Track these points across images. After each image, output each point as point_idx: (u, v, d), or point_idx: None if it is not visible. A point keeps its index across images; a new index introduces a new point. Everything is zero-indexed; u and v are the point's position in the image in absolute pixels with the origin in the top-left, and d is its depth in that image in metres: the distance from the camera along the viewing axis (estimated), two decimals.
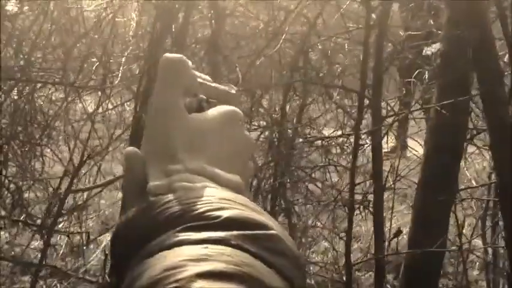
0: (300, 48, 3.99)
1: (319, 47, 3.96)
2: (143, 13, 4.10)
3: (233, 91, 0.77)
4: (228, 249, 0.56)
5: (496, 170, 2.57)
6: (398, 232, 3.37)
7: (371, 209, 2.98)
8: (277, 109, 3.98)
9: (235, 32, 4.60)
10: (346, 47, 3.97)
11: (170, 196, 0.62)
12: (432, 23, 4.27)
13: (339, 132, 3.70)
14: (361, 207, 3.32)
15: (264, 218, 0.60)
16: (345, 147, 3.58)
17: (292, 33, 4.05)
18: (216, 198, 0.61)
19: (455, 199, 3.53)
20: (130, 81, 3.85)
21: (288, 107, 3.95)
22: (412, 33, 4.09)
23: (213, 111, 0.70)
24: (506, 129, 2.47)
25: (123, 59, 3.74)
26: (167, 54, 0.70)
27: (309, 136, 3.76)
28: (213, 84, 0.75)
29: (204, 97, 0.73)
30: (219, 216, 0.58)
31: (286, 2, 4.70)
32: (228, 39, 4.54)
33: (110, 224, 4.76)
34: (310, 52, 4.05)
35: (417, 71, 4.07)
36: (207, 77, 0.75)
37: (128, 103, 4.41)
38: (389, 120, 3.22)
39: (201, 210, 0.59)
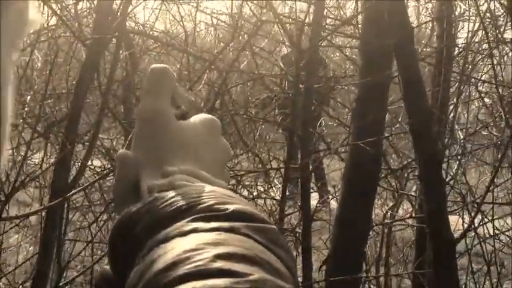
0: (217, 91, 4.11)
1: (238, 88, 4.09)
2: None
3: (190, 97, 0.82)
4: (239, 237, 0.59)
5: (424, 201, 2.75)
6: (328, 259, 3.49)
7: (300, 239, 3.08)
8: None
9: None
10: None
11: (175, 192, 0.65)
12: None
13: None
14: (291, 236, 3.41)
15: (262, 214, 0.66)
16: (275, 181, 3.68)
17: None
18: (219, 193, 0.65)
19: (369, 234, 3.73)
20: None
21: None
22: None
23: (195, 119, 0.76)
24: (435, 162, 2.68)
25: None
26: (154, 65, 0.75)
27: (236, 171, 3.84)
28: (187, 95, 0.80)
29: (185, 109, 0.78)
30: (227, 209, 0.62)
31: (202, 46, 4.82)
32: (142, 80, 4.58)
33: None
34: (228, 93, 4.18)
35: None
36: (183, 89, 0.81)
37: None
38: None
39: (209, 203, 0.63)
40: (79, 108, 3.50)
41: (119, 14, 3.61)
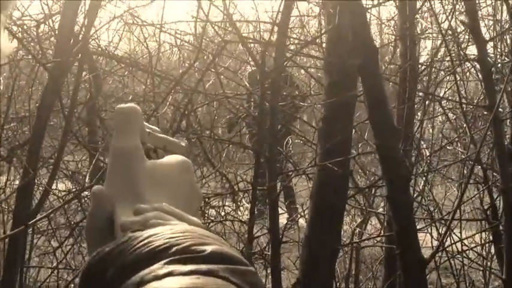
0: (183, 111, 4.08)
1: (204, 109, 4.07)
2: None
3: (183, 144, 0.84)
4: (218, 280, 0.58)
5: (393, 221, 2.75)
6: (297, 283, 3.47)
7: (269, 261, 3.06)
8: None
9: (115, 94, 4.61)
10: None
11: (151, 231, 0.64)
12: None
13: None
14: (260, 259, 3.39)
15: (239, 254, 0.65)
16: (243, 201, 3.66)
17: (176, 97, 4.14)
18: (196, 234, 0.64)
19: (339, 253, 3.73)
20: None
21: None
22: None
23: (170, 159, 0.76)
24: (402, 181, 2.68)
25: None
26: (122, 105, 0.76)
27: (204, 194, 3.80)
28: (161, 135, 0.81)
29: (152, 146, 0.79)
30: (204, 250, 0.61)
31: (166, 67, 4.79)
32: (106, 101, 4.53)
33: None
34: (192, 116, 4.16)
35: None
36: (156, 128, 0.82)
37: None
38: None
39: (185, 244, 0.61)
40: (41, 131, 3.43)
41: (80, 36, 3.57)
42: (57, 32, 3.76)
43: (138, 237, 0.63)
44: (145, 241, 0.62)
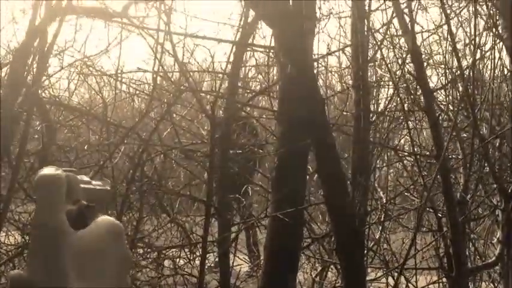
0: (137, 162, 4.03)
1: (158, 160, 4.04)
2: None
3: (108, 187, 0.81)
4: None
5: (343, 276, 2.72)
6: None
7: None
8: None
9: (68, 145, 4.55)
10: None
11: None
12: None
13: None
14: None
15: None
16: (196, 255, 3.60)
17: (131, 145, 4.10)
18: None
19: None
20: None
21: (124, 219, 3.93)
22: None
23: (98, 226, 0.72)
24: (351, 233, 2.66)
25: None
26: (42, 172, 0.71)
27: (154, 247, 3.73)
28: (91, 186, 0.77)
29: (85, 203, 0.74)
30: None
31: (122, 116, 4.75)
32: (59, 152, 4.46)
33: None
34: (147, 165, 4.11)
35: None
36: (86, 178, 0.77)
37: None
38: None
39: None
40: None
41: (31, 85, 3.53)
42: (7, 81, 3.72)
43: None
44: None
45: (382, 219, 4.02)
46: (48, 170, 0.71)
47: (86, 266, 0.69)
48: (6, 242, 4.12)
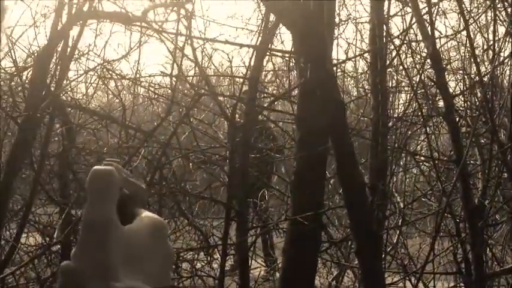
0: (156, 165, 4.06)
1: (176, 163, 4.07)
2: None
3: (143, 185, 0.82)
4: None
5: (362, 279, 2.73)
6: None
7: None
8: None
9: (88, 147, 4.59)
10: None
11: None
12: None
13: None
14: None
15: None
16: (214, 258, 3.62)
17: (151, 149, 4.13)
18: None
19: None
20: None
21: None
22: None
23: (142, 221, 0.74)
24: (370, 236, 2.67)
25: None
26: (96, 168, 0.72)
27: (174, 249, 3.76)
28: (132, 179, 0.79)
29: (127, 192, 0.76)
30: None
31: (141, 119, 4.78)
32: (79, 155, 4.51)
33: None
34: (165, 168, 4.15)
35: None
36: (128, 172, 0.79)
37: None
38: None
39: None
40: (9, 184, 3.40)
41: (53, 88, 3.57)
42: (28, 85, 3.76)
43: None
44: None
45: (399, 223, 4.03)
46: (102, 166, 0.73)
47: (134, 261, 0.70)
48: (27, 243, 4.16)
